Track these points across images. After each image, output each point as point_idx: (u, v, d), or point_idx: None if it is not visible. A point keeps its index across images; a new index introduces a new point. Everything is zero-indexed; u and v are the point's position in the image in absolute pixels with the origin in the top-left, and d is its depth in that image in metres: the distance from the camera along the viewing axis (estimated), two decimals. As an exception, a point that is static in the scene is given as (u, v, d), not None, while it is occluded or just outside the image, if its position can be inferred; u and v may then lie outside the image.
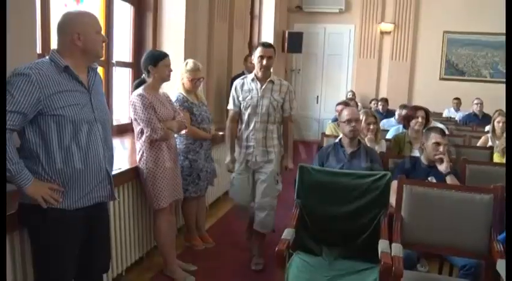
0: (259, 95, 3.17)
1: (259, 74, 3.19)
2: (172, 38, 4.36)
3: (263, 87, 3.18)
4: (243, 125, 3.23)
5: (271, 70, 3.26)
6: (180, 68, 3.36)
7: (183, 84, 3.36)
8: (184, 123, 3.05)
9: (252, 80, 3.22)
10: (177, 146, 3.21)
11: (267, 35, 8.14)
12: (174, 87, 3.38)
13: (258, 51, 3.13)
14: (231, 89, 3.38)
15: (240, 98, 3.22)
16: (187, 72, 3.32)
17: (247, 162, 3.25)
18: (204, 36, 4.97)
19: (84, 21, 1.87)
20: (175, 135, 3.15)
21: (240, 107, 3.23)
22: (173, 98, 3.22)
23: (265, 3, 8.12)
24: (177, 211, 3.48)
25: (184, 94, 3.34)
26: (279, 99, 3.19)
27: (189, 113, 3.32)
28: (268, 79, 3.19)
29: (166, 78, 2.94)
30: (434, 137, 3.05)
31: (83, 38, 1.85)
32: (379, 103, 7.47)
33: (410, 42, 9.00)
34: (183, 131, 3.22)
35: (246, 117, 3.21)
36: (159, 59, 2.88)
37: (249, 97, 3.19)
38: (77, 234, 1.90)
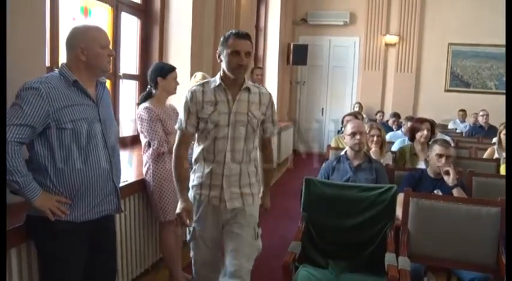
0: (231, 109, 2.16)
1: (231, 79, 2.16)
2: (179, 51, 4.41)
3: (237, 98, 2.17)
4: (204, 155, 2.20)
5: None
6: (188, 83, 3.39)
7: None
8: None
9: (218, 87, 2.17)
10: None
11: (272, 47, 8.21)
12: (180, 101, 3.40)
13: (230, 45, 2.12)
14: None
15: (201, 115, 2.17)
16: (197, 82, 3.35)
17: (212, 208, 2.23)
18: (210, 49, 5.02)
19: (89, 36, 1.89)
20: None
21: (197, 128, 2.21)
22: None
23: (270, 16, 8.20)
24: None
25: None
26: (259, 116, 2.22)
27: None
28: (243, 86, 2.19)
29: (173, 91, 2.97)
30: (437, 149, 3.05)
31: (87, 53, 1.87)
32: (392, 119, 7.30)
33: (415, 54, 9.02)
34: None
35: (208, 143, 2.18)
36: (168, 71, 2.91)
37: (214, 113, 2.15)
38: (83, 246, 1.91)
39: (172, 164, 2.25)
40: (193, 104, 2.18)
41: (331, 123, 9.05)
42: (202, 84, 2.23)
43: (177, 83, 2.99)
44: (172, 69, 2.95)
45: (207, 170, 2.19)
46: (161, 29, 4.41)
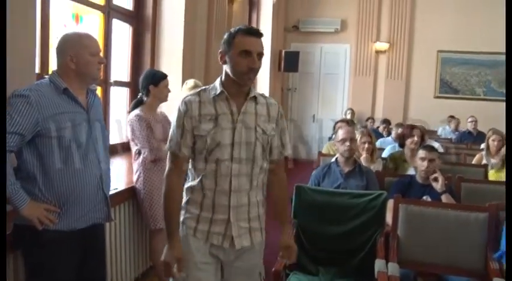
0: (236, 124, 1.75)
1: (237, 86, 1.77)
2: (171, 58, 4.41)
3: (242, 109, 1.77)
4: (203, 182, 1.77)
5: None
6: (180, 90, 3.39)
7: None
8: None
9: (219, 96, 1.77)
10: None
11: (264, 54, 8.24)
12: (171, 108, 3.40)
13: (238, 43, 1.71)
14: None
15: (198, 131, 1.75)
16: (188, 89, 3.35)
17: (210, 248, 1.80)
18: (202, 57, 5.04)
19: (79, 43, 1.88)
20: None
21: (193, 149, 1.78)
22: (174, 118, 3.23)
23: (262, 23, 8.25)
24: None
25: None
26: (269, 131, 1.82)
27: None
28: (250, 95, 1.80)
29: (165, 98, 2.97)
30: (420, 153, 3.13)
31: (76, 60, 1.86)
32: (382, 125, 7.32)
33: (405, 61, 9.11)
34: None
35: (208, 166, 1.76)
36: (160, 79, 2.91)
37: (215, 129, 1.74)
38: (72, 255, 1.90)
39: (163, 195, 1.79)
40: (188, 118, 1.75)
41: (323, 130, 9.09)
42: (199, 94, 1.80)
43: (169, 91, 2.99)
44: (164, 76, 2.95)
45: (207, 200, 1.77)
46: (153, 35, 4.42)
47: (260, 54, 1.74)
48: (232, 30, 1.77)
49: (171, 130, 1.82)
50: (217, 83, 1.81)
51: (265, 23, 8.27)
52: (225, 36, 1.77)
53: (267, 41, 8.26)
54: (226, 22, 5.75)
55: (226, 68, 1.77)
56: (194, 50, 4.74)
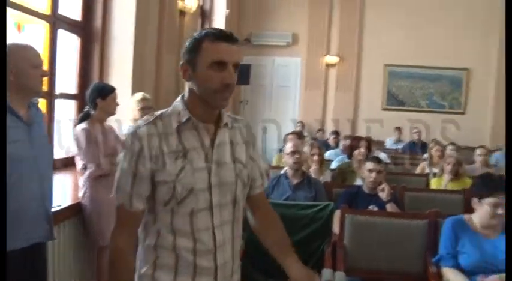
0: (211, 161, 1.35)
1: (208, 109, 1.36)
2: (120, 70, 4.34)
3: (217, 140, 1.37)
4: (172, 242, 1.34)
5: None
6: (128, 103, 3.34)
7: (134, 118, 3.33)
8: None
9: (185, 124, 1.34)
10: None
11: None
12: (120, 122, 3.35)
13: (209, 51, 1.30)
14: None
15: (160, 176, 1.31)
16: (136, 102, 3.32)
17: None
18: (152, 69, 4.99)
19: (18, 56, 1.82)
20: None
21: (150, 200, 1.34)
22: (123, 132, 3.19)
23: (214, 35, 8.28)
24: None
25: None
26: (249, 163, 1.45)
27: None
28: (223, 121, 1.39)
29: (113, 112, 2.93)
30: (368, 165, 3.24)
31: (16, 73, 1.80)
32: (331, 137, 7.42)
33: (354, 74, 9.45)
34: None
35: (179, 221, 1.33)
36: (108, 92, 2.87)
37: (184, 171, 1.31)
38: (12, 277, 1.82)
39: (108, 262, 1.37)
40: (144, 159, 1.29)
41: (274, 142, 9.21)
42: (154, 123, 1.33)
43: (117, 104, 2.95)
44: (112, 90, 2.91)
45: (183, 262, 1.33)
46: (102, 47, 4.33)
47: (236, 66, 1.33)
48: (197, 35, 1.33)
49: (117, 174, 1.35)
50: (179, 105, 1.36)
51: (218, 36, 8.32)
52: (188, 43, 1.34)
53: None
54: (178, 34, 5.74)
55: (191, 85, 1.34)
56: (144, 62, 4.69)
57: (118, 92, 2.96)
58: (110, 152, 2.81)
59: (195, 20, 6.71)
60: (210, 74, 1.29)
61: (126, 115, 3.35)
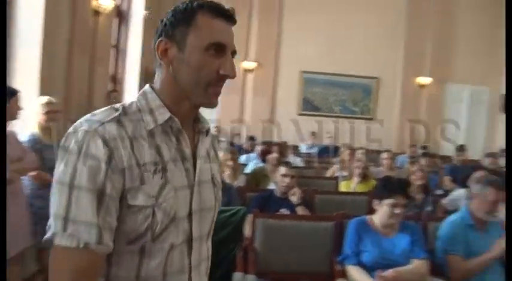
0: (194, 177, 1.03)
1: (193, 105, 1.04)
2: (26, 72, 4.08)
3: (200, 151, 1.07)
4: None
5: None
6: (33, 108, 3.15)
7: (39, 123, 3.15)
8: (32, 166, 2.85)
9: (164, 125, 0.98)
10: (24, 190, 2.94)
11: (132, 70, 8.01)
12: (25, 127, 3.16)
13: (206, 29, 0.98)
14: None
15: (135, 199, 0.92)
16: (41, 106, 3.14)
17: None
18: (62, 72, 4.74)
19: None
20: (23, 178, 2.91)
21: (125, 229, 0.93)
22: (24, 138, 3.00)
23: (132, 38, 8.06)
24: (25, 261, 3.17)
25: (39, 134, 3.12)
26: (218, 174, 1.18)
27: (39, 156, 2.99)
28: (204, 126, 1.13)
29: (16, 116, 2.76)
30: (281, 170, 3.38)
31: None
32: (248, 142, 7.35)
33: (271, 79, 9.73)
34: (32, 173, 2.96)
35: (148, 261, 0.95)
36: (11, 95, 2.69)
37: (166, 190, 0.95)
38: None
39: None
40: (113, 172, 0.90)
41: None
42: (118, 119, 0.95)
43: (20, 108, 2.78)
44: (15, 92, 2.74)
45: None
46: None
47: (233, 55, 1.05)
48: (186, 4, 1.00)
49: (60, 198, 0.90)
50: (152, 99, 1.00)
51: (136, 38, 8.10)
52: (174, 13, 1.01)
53: (136, 56, 8.11)
54: (92, 35, 5.52)
55: (170, 71, 1.00)
56: (54, 63, 4.45)
57: (23, 96, 2.80)
58: (12, 159, 2.64)
59: (110, 21, 6.48)
60: (205, 59, 0.97)
61: (32, 120, 3.17)
